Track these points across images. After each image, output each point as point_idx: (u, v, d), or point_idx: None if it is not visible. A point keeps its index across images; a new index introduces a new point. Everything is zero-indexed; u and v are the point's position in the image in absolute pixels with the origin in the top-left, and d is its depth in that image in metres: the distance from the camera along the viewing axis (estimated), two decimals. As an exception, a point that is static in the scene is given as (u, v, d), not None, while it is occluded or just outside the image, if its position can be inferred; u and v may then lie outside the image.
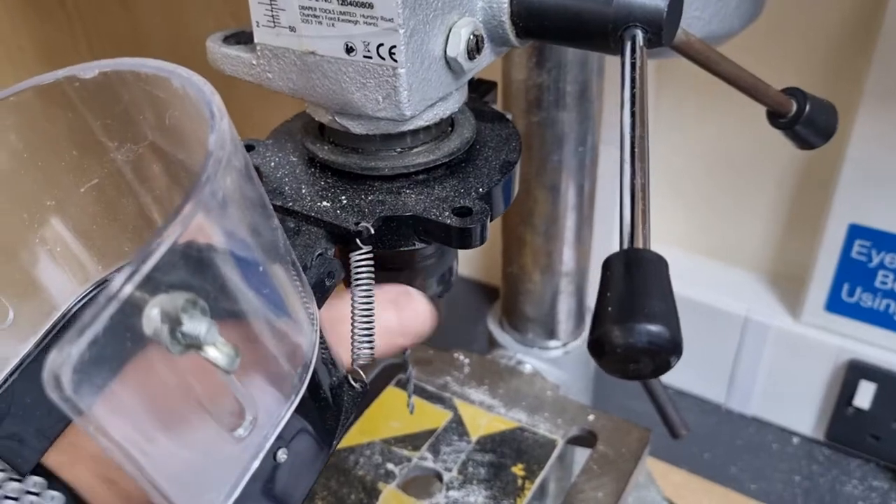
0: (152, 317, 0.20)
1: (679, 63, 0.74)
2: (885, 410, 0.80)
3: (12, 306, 0.30)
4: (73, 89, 0.28)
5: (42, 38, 0.94)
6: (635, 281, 0.26)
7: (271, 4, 0.33)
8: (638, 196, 0.29)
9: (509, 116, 0.41)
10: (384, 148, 0.36)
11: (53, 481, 0.27)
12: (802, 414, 0.86)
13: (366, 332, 0.33)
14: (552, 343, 0.61)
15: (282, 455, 0.27)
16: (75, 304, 0.32)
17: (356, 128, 0.35)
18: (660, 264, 0.27)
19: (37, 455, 0.30)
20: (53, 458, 0.28)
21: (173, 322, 0.20)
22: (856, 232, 0.76)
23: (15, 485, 0.27)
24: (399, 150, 0.36)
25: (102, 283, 0.32)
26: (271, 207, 0.27)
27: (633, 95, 0.31)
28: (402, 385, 0.58)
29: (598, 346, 0.26)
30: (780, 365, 0.84)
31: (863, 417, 0.82)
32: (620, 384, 0.91)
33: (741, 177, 0.84)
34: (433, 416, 0.56)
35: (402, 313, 0.36)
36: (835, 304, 0.80)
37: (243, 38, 0.37)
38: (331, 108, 0.35)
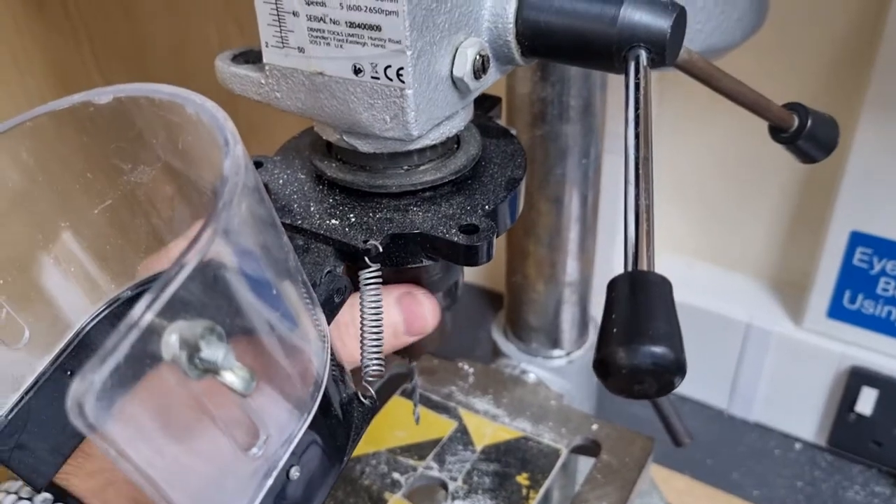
0: (171, 343, 0.21)
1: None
2: (887, 416, 0.80)
3: (28, 325, 0.31)
4: (87, 114, 0.28)
5: (47, 44, 0.95)
6: (640, 303, 0.27)
7: (280, 26, 0.34)
8: (643, 217, 0.29)
9: (513, 132, 0.42)
10: (391, 166, 0.36)
11: None
12: (804, 420, 0.87)
13: (375, 349, 0.33)
14: (556, 352, 0.62)
15: (294, 472, 0.27)
16: (89, 323, 0.32)
17: (364, 146, 0.35)
18: (664, 286, 0.27)
19: (52, 470, 0.31)
20: (83, 485, 0.29)
21: (192, 349, 0.21)
22: (857, 239, 0.76)
23: None
24: (406, 167, 0.36)
25: (115, 302, 0.33)
26: (282, 227, 0.28)
27: (637, 116, 0.32)
28: (408, 395, 0.59)
29: (603, 367, 0.26)
30: (783, 371, 0.85)
31: (865, 423, 0.82)
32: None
33: (743, 182, 0.84)
34: (438, 426, 0.56)
35: (406, 313, 0.37)
36: (837, 311, 0.81)
37: (251, 56, 0.38)
38: (339, 128, 0.35)
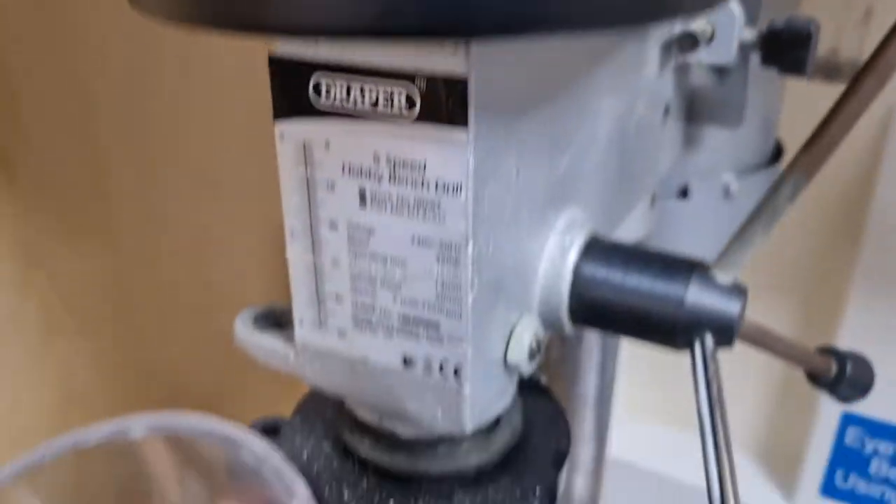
0: None
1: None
2: None
3: None
4: (118, 448, 0.25)
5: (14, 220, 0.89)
6: None
7: (320, 307, 0.31)
8: (727, 484, 0.27)
9: (543, 380, 0.39)
10: (431, 448, 0.33)
11: None
12: None
13: None
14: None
15: None
16: None
17: (405, 432, 0.32)
18: None
19: None
20: None
21: None
22: (849, 420, 0.75)
23: None
24: (447, 448, 0.33)
25: None
26: None
27: (710, 402, 0.30)
28: None
29: None
30: (776, 552, 0.82)
31: None
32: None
33: (731, 355, 0.83)
34: None
35: None
36: (829, 490, 0.79)
37: (277, 317, 0.35)
38: (377, 411, 0.32)
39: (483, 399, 0.30)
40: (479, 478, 0.33)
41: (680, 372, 0.87)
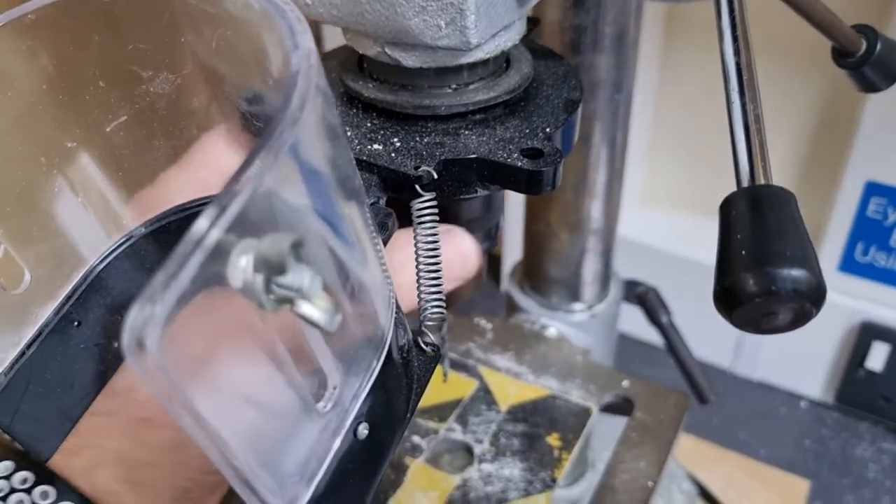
0: (242, 266, 0.17)
1: (690, 11, 0.70)
2: (898, 371, 0.79)
3: (29, 268, 0.26)
4: (101, 6, 0.23)
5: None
6: (766, 221, 0.23)
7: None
8: (753, 127, 0.25)
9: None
10: (437, 84, 0.32)
11: (66, 491, 0.23)
12: (811, 377, 0.85)
13: (435, 289, 0.29)
14: (577, 306, 0.58)
15: (363, 430, 0.23)
16: (99, 263, 0.28)
17: (409, 60, 0.31)
18: (789, 201, 0.24)
19: (60, 437, 0.26)
20: (67, 462, 0.24)
21: (272, 271, 0.17)
22: (872, 189, 0.74)
23: (21, 496, 0.23)
24: (454, 86, 0.32)
25: (128, 239, 0.28)
26: (346, 139, 0.23)
27: (733, 19, 0.28)
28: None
29: (729, 297, 0.22)
30: (791, 327, 0.83)
31: (874, 379, 0.80)
32: (641, 351, 0.88)
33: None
34: (458, 385, 0.52)
35: (446, 253, 0.32)
36: (848, 264, 0.78)
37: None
38: (380, 38, 0.31)
39: (488, 11, 0.29)
40: (486, 118, 0.32)
41: (699, 159, 0.85)
